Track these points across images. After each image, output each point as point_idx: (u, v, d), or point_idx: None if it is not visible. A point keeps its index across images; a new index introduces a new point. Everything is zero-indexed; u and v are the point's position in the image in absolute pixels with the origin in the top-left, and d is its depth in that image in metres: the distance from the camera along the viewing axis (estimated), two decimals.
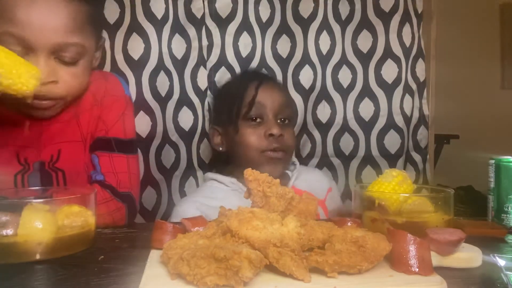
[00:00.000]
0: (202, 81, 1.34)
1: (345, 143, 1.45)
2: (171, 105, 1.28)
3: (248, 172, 0.67)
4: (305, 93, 1.40)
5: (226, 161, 1.22)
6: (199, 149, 1.35)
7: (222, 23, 1.34)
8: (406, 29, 1.45)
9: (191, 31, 1.31)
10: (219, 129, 1.21)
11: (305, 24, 1.41)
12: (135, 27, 1.22)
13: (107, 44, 1.20)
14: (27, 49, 0.82)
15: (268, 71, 1.37)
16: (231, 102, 1.16)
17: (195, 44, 1.32)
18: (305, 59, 1.40)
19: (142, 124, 1.21)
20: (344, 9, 1.43)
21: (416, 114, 1.49)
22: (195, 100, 1.33)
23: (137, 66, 1.22)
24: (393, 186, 0.80)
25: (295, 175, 1.19)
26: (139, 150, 1.15)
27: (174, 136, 1.29)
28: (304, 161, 1.42)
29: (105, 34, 1.18)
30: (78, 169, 0.95)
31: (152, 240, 0.66)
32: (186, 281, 0.51)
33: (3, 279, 0.57)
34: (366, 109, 1.45)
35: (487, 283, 0.57)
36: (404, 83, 1.46)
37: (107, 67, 1.21)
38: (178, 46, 1.29)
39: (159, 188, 1.28)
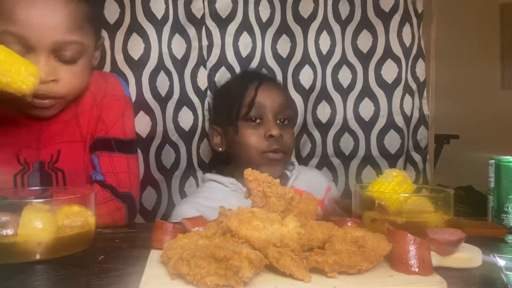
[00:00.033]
0: (202, 81, 1.34)
1: (345, 143, 1.45)
2: (171, 105, 1.28)
3: (248, 172, 0.67)
4: (305, 93, 1.40)
5: (226, 161, 1.22)
6: (199, 149, 1.35)
7: (222, 23, 1.34)
8: (406, 29, 1.45)
9: (191, 31, 1.31)
10: (218, 129, 1.21)
11: (305, 24, 1.41)
12: (135, 27, 1.22)
13: (107, 44, 1.20)
14: (27, 48, 0.82)
15: (268, 71, 1.37)
16: (231, 103, 1.16)
17: (195, 44, 1.32)
18: (305, 59, 1.40)
19: (142, 124, 1.21)
20: (344, 9, 1.43)
21: (416, 114, 1.49)
22: (195, 100, 1.33)
23: (137, 66, 1.22)
24: (393, 186, 0.80)
25: (294, 175, 1.19)
26: (139, 150, 1.16)
27: (174, 136, 1.29)
28: (304, 161, 1.42)
29: (105, 34, 1.18)
30: (77, 169, 0.95)
31: (152, 240, 0.66)
32: (186, 281, 0.51)
33: (3, 279, 0.57)
34: (366, 109, 1.45)
35: (487, 283, 0.57)
36: (404, 83, 1.46)
37: (107, 67, 1.21)
38: (178, 46, 1.29)
39: (159, 188, 1.28)
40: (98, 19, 1.00)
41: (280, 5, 1.39)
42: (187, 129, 1.32)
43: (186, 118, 1.31)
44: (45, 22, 0.82)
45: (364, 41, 1.44)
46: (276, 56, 1.39)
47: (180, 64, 1.30)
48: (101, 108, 0.98)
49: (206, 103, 1.34)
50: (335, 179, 1.44)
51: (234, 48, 1.36)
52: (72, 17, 0.86)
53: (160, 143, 1.26)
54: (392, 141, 1.45)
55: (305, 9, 1.40)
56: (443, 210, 0.75)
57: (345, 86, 1.44)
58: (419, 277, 0.54)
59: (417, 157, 1.49)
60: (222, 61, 1.35)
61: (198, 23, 1.32)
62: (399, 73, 1.45)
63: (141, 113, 1.22)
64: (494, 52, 3.23)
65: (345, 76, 1.44)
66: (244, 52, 1.36)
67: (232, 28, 1.35)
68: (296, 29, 1.40)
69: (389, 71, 1.45)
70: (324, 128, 1.44)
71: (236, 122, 1.14)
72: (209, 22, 1.33)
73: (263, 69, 1.37)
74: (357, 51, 1.44)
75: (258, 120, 1.14)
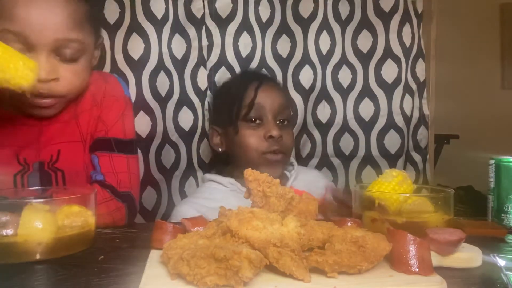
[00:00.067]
0: (202, 81, 1.34)
1: (345, 143, 1.45)
2: (171, 105, 1.28)
3: (248, 172, 0.67)
4: (305, 93, 1.40)
5: (226, 162, 1.22)
6: (199, 149, 1.35)
7: (222, 23, 1.34)
8: (406, 29, 1.45)
9: (191, 31, 1.31)
10: (218, 130, 1.21)
11: (305, 24, 1.41)
12: (135, 27, 1.22)
13: (107, 44, 1.20)
14: (28, 47, 0.82)
15: (268, 71, 1.37)
16: (231, 103, 1.16)
17: (195, 44, 1.32)
18: (305, 59, 1.40)
19: (142, 124, 1.21)
20: (344, 9, 1.43)
21: (416, 114, 1.49)
22: (195, 100, 1.33)
23: (137, 66, 1.22)
24: (393, 186, 0.80)
25: (293, 175, 1.19)
26: (139, 150, 1.16)
27: (174, 136, 1.29)
28: (304, 161, 1.42)
29: (105, 34, 1.18)
30: (77, 169, 0.95)
31: (152, 240, 0.66)
32: (186, 281, 0.51)
33: (3, 279, 0.57)
34: (366, 109, 1.45)
35: (487, 283, 0.57)
36: (404, 83, 1.46)
37: (107, 67, 1.21)
38: (178, 46, 1.29)
39: (159, 188, 1.28)
40: (97, 18, 1.01)
41: (280, 5, 1.38)
42: (187, 129, 1.32)
43: (186, 118, 1.31)
44: (45, 20, 0.83)
45: (364, 41, 1.44)
46: (276, 56, 1.39)
47: (180, 64, 1.30)
48: (101, 108, 0.98)
49: (206, 103, 1.34)
50: (335, 179, 1.44)
51: (234, 48, 1.36)
52: (72, 16, 0.86)
53: (160, 143, 1.26)
54: (392, 141, 1.45)
55: (305, 9, 1.40)
56: (443, 210, 0.75)
57: (345, 86, 1.44)
58: (419, 277, 0.54)
59: (417, 157, 1.49)
60: (222, 61, 1.35)
61: (198, 23, 1.32)
62: (399, 73, 1.45)
63: (141, 113, 1.22)
64: (494, 52, 3.23)
65: (345, 76, 1.44)
66: (244, 52, 1.36)
67: (232, 28, 1.35)
68: (296, 29, 1.40)
69: (389, 71, 1.45)
70: (324, 128, 1.44)
71: (236, 123, 1.14)
72: (209, 22, 1.33)
73: (263, 69, 1.37)
74: (357, 51, 1.44)
75: (258, 121, 1.13)
